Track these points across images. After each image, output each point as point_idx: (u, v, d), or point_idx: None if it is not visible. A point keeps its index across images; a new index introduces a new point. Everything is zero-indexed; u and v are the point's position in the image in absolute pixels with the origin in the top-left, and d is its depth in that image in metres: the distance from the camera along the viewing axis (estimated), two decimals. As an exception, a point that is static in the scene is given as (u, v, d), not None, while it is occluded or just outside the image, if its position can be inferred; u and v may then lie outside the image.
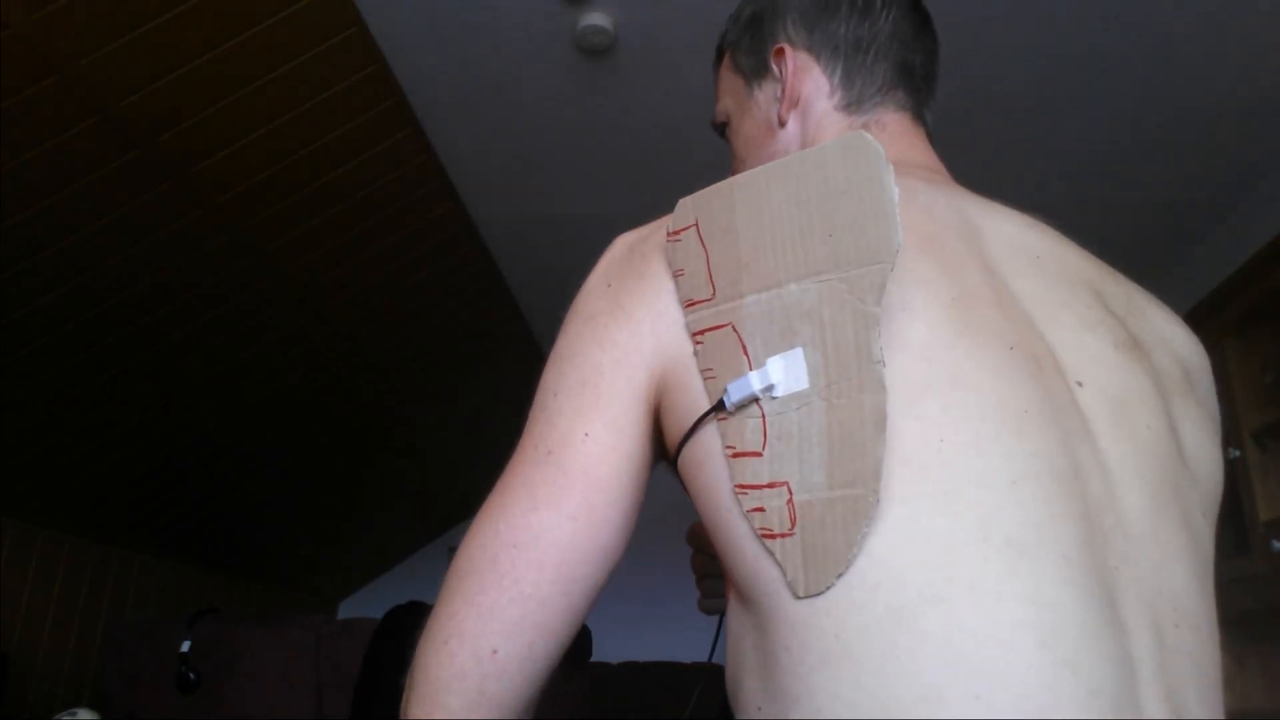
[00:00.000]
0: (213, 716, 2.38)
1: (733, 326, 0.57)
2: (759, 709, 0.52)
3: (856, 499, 0.50)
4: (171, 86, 1.87)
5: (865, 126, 0.76)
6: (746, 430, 0.54)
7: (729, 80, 0.84)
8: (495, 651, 0.56)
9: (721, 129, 0.86)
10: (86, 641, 2.86)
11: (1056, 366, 0.58)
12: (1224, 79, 2.22)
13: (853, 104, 0.77)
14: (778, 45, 0.79)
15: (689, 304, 0.59)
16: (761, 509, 0.52)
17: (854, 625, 0.48)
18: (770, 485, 0.52)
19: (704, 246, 0.59)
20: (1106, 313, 0.65)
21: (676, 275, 0.60)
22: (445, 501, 4.75)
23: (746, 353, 0.56)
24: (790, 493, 0.52)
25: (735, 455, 0.55)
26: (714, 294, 0.58)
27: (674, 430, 0.59)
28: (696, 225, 0.60)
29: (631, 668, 3.28)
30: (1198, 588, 0.57)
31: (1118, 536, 0.54)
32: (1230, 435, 2.21)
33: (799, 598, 0.50)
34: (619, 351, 0.60)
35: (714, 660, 0.77)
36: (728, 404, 0.55)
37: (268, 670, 2.43)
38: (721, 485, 0.55)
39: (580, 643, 2.60)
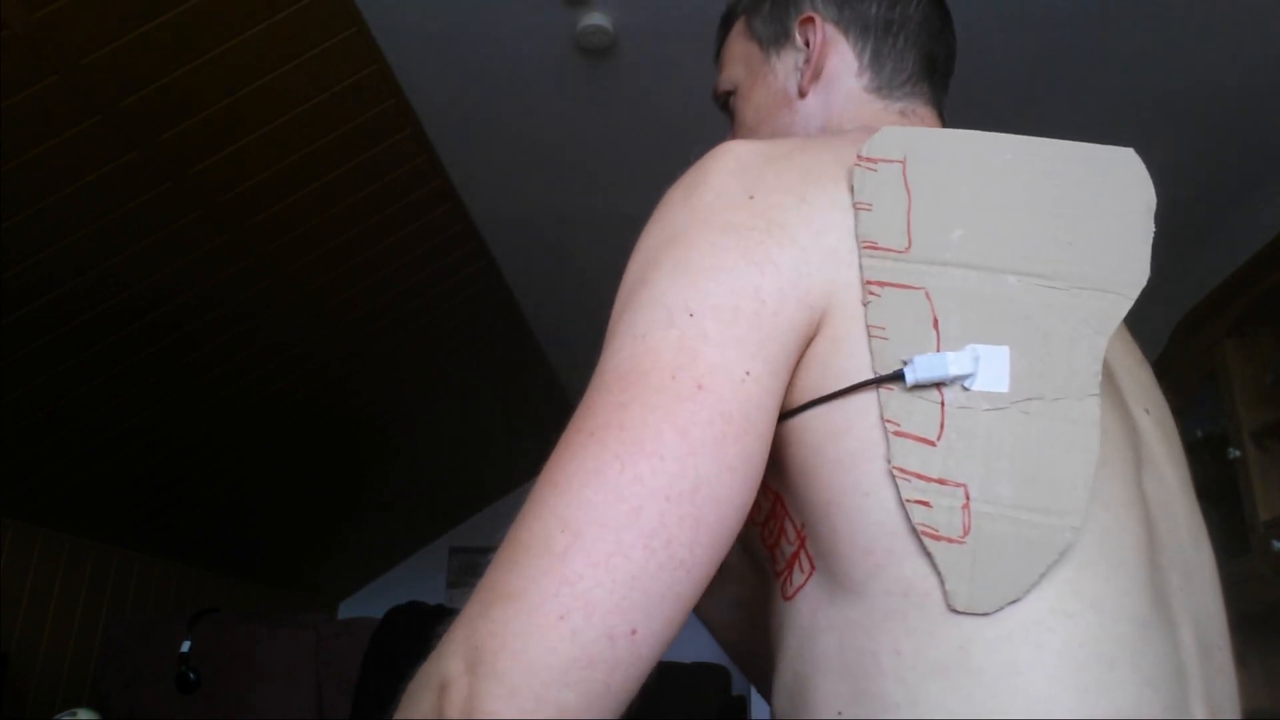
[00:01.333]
0: (213, 716, 2.38)
1: (926, 293, 0.50)
2: (839, 711, 0.48)
3: (1051, 529, 0.47)
4: (171, 86, 1.87)
5: (902, 115, 0.74)
6: (917, 412, 0.49)
7: (740, 46, 0.81)
8: (634, 631, 0.44)
9: (725, 99, 0.82)
10: (86, 641, 2.86)
11: (1120, 392, 0.59)
12: (1224, 78, 2.22)
13: (883, 88, 0.75)
14: (806, 14, 0.76)
15: (869, 246, 0.52)
16: (927, 504, 0.47)
17: (984, 638, 0.46)
18: (941, 481, 0.47)
19: (908, 189, 0.52)
20: (1134, 347, 0.67)
21: (859, 207, 0.53)
22: (445, 501, 4.75)
23: (938, 328, 0.50)
24: (967, 497, 0.47)
25: (898, 434, 0.49)
26: (909, 247, 0.51)
27: (809, 382, 0.51)
28: (904, 163, 0.53)
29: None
30: (1221, 612, 0.59)
31: (1178, 558, 0.55)
32: (1230, 435, 2.21)
33: (955, 611, 0.46)
34: (783, 279, 0.51)
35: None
36: (910, 377, 0.49)
37: (268, 670, 2.43)
38: (867, 461, 0.49)
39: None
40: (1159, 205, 0.53)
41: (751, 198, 0.54)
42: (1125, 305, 0.50)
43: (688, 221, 0.54)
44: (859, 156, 0.55)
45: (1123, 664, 0.46)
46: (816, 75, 0.75)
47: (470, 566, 4.93)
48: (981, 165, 0.53)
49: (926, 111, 0.76)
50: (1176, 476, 0.59)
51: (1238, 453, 2.16)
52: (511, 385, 3.96)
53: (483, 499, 4.93)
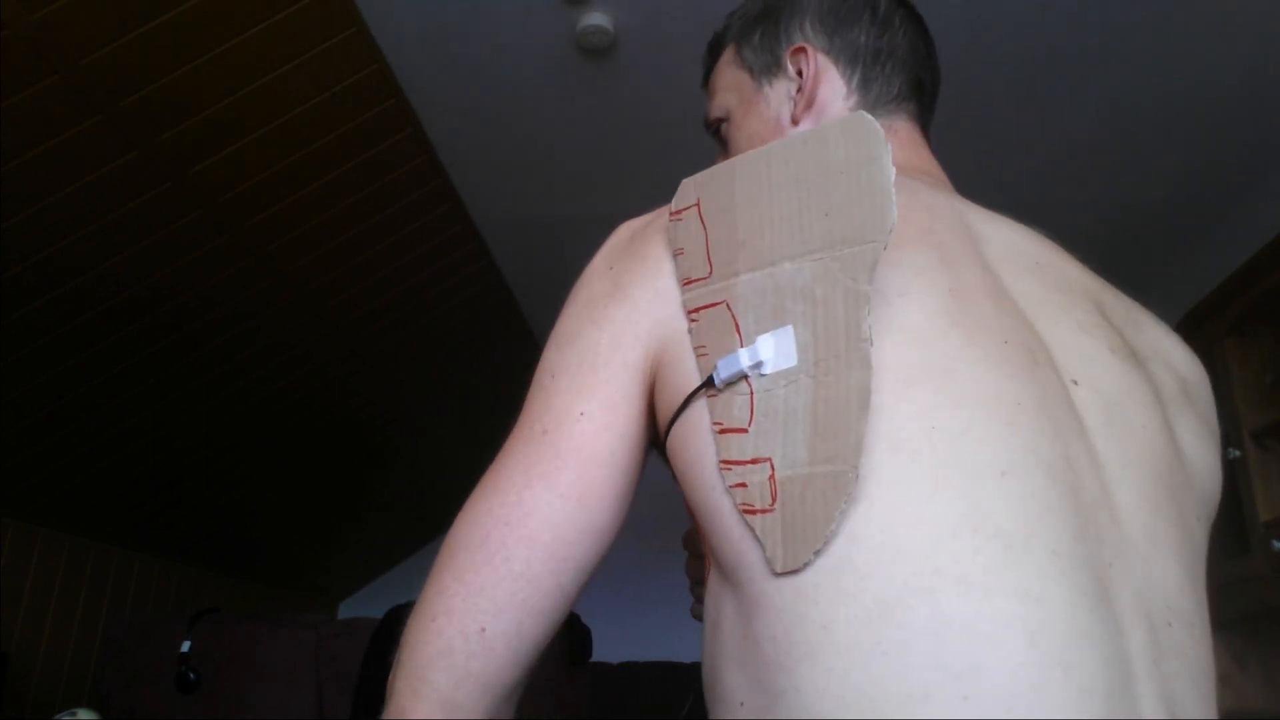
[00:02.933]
0: (213, 716, 2.38)
1: (727, 304, 0.57)
2: (741, 704, 0.51)
3: (837, 474, 0.49)
4: (171, 86, 1.87)
5: None
6: (735, 407, 0.54)
7: (731, 74, 0.83)
8: (483, 629, 0.56)
9: (717, 126, 0.84)
10: (86, 641, 2.86)
11: (1051, 363, 0.58)
12: (1224, 77, 2.22)
13: (866, 109, 0.77)
14: (797, 45, 0.78)
15: (686, 282, 0.59)
16: (744, 484, 0.52)
17: (843, 616, 0.47)
18: (754, 461, 0.52)
19: (704, 225, 0.60)
20: (1104, 319, 0.65)
21: (676, 254, 0.61)
22: (445, 501, 4.74)
23: (739, 330, 0.56)
24: (773, 468, 0.52)
25: (723, 431, 0.54)
26: (711, 272, 0.58)
27: (665, 408, 0.59)
28: (698, 205, 0.61)
29: (631, 668, 3.28)
30: (1190, 586, 0.56)
31: (1111, 533, 0.53)
32: (1230, 435, 2.21)
33: (776, 574, 0.49)
34: (615, 329, 0.61)
35: None
36: (717, 380, 0.55)
37: (268, 670, 2.43)
38: (707, 462, 0.55)
39: (580, 643, 2.60)
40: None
41: (611, 268, 0.65)
42: (878, 249, 0.52)
43: (570, 299, 0.66)
44: (670, 211, 0.63)
45: (1013, 642, 0.45)
46: (810, 104, 0.77)
47: (470, 566, 4.93)
48: (752, 179, 0.59)
49: (908, 127, 0.79)
50: (1118, 447, 0.57)
51: (1238, 453, 2.16)
52: (511, 385, 3.95)
53: (483, 499, 4.93)
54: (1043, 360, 0.57)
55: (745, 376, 0.54)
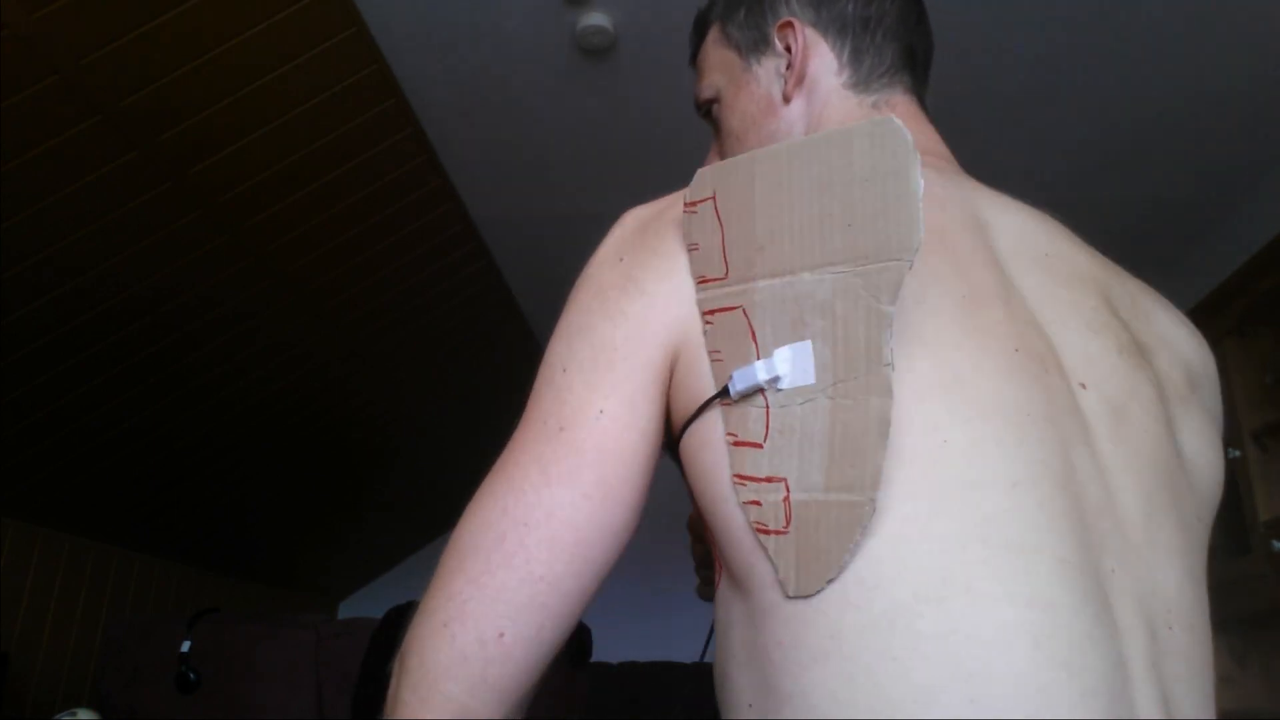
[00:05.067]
0: (213, 716, 2.38)
1: (743, 310, 0.55)
2: (749, 706, 0.51)
3: (853, 505, 0.49)
4: (171, 86, 1.87)
5: (875, 107, 0.74)
6: (749, 419, 0.53)
7: (718, 54, 0.80)
8: (502, 635, 0.53)
9: (708, 107, 0.81)
10: (86, 641, 2.86)
11: (1060, 368, 0.58)
12: (1224, 78, 2.22)
13: (860, 83, 0.75)
14: (784, 19, 0.76)
15: (701, 281, 0.57)
16: (758, 503, 0.51)
17: (849, 624, 0.48)
18: (768, 480, 0.51)
19: (720, 222, 0.57)
20: (1112, 315, 0.64)
21: (691, 250, 0.58)
22: (445, 501, 4.74)
23: (755, 339, 0.54)
24: (788, 490, 0.51)
25: (736, 444, 0.53)
26: (727, 273, 0.56)
27: (680, 410, 0.58)
28: (714, 199, 0.58)
29: (631, 668, 3.27)
30: (1192, 589, 0.57)
31: (1114, 539, 0.54)
32: (1230, 435, 2.21)
33: (789, 597, 0.49)
34: (632, 325, 0.58)
35: (706, 660, 0.76)
36: (732, 392, 0.54)
37: (268, 670, 2.43)
38: (720, 473, 0.54)
39: (580, 643, 2.60)
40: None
41: (621, 259, 0.62)
42: (904, 269, 0.50)
43: (578, 289, 0.64)
44: (685, 202, 0.60)
45: (1019, 647, 0.46)
46: (800, 80, 0.75)
47: (470, 566, 4.93)
48: (773, 178, 0.56)
49: (903, 99, 0.76)
50: (1123, 451, 0.58)
51: (1238, 453, 2.16)
52: (511, 385, 3.96)
53: (483, 499, 4.93)
54: (1052, 366, 0.57)
55: (761, 390, 0.53)
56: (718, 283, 0.56)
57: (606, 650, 2.86)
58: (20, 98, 1.71)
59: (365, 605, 4.79)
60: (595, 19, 2.01)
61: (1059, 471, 0.52)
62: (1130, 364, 0.62)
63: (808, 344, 0.52)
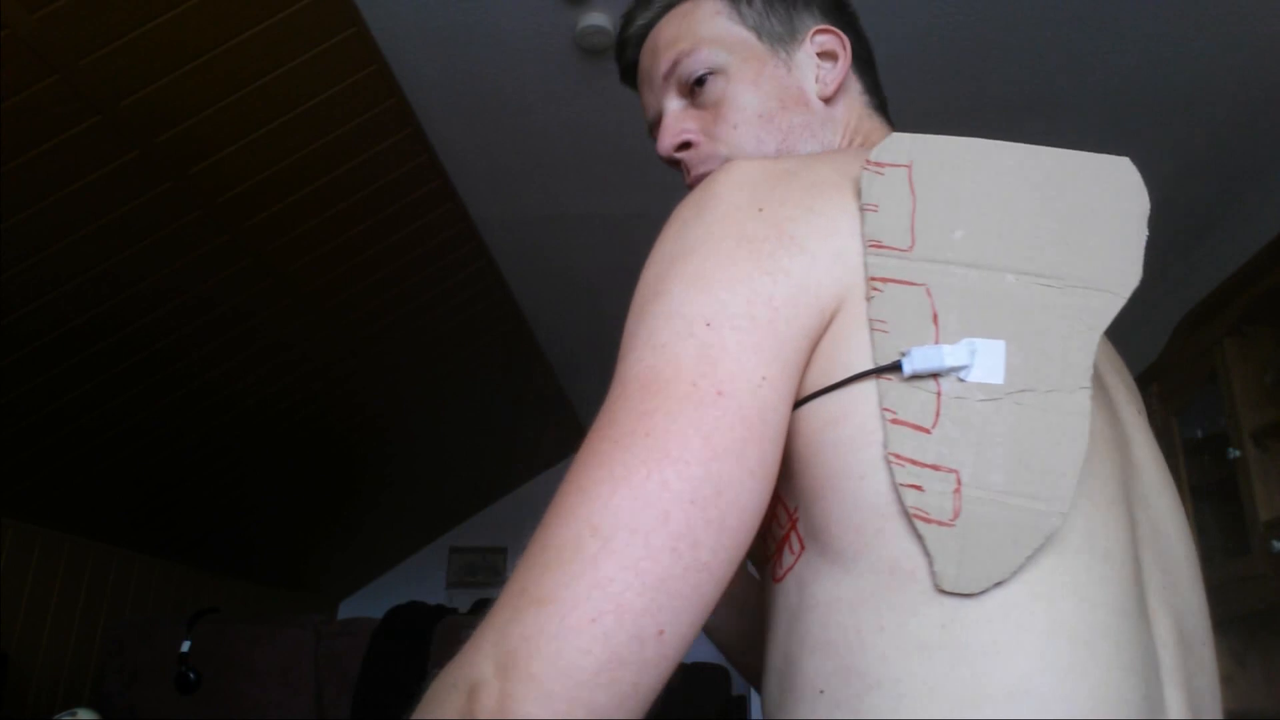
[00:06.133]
0: (213, 716, 2.38)
1: (927, 289, 0.52)
2: (821, 692, 0.49)
3: (1038, 514, 0.49)
4: (171, 86, 1.88)
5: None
6: (915, 401, 0.51)
7: (723, 28, 0.77)
8: (662, 633, 0.45)
9: (700, 76, 0.76)
10: (86, 641, 2.86)
11: (1113, 395, 0.62)
12: (1224, 78, 2.22)
13: (878, 109, 0.79)
14: (824, 26, 0.78)
15: (874, 244, 0.54)
16: (919, 488, 0.49)
17: (966, 617, 0.47)
18: (935, 467, 0.49)
19: (913, 192, 0.55)
20: (1135, 393, 0.69)
21: (866, 208, 0.55)
22: (445, 501, 4.75)
23: (937, 322, 0.52)
24: (959, 483, 0.49)
25: (895, 421, 0.51)
26: (912, 245, 0.53)
27: (813, 376, 0.53)
28: (909, 167, 0.56)
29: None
30: (1205, 610, 0.62)
31: (1162, 559, 0.58)
32: (1230, 435, 2.21)
33: (941, 591, 0.48)
34: (794, 286, 0.53)
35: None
36: (907, 369, 0.51)
37: (268, 670, 2.43)
38: (863, 447, 0.51)
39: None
40: (1160, 205, 0.57)
41: (761, 210, 0.55)
42: (1118, 304, 0.52)
43: (702, 235, 0.55)
44: (868, 161, 0.57)
45: (1103, 650, 0.48)
46: (840, 86, 0.77)
47: (470, 566, 4.93)
48: (984, 170, 0.55)
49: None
50: (1160, 477, 0.62)
51: (1238, 453, 2.16)
52: (511, 385, 3.96)
53: (483, 499, 4.93)
54: (1120, 410, 0.62)
55: (936, 375, 0.51)
56: (897, 252, 0.53)
57: (606, 650, 2.87)
58: (20, 98, 1.71)
59: (365, 605, 4.79)
60: (595, 19, 2.01)
61: (1121, 492, 0.56)
62: (1154, 448, 0.65)
63: (1001, 343, 0.51)
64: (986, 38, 2.08)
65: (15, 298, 2.07)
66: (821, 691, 0.49)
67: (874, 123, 0.78)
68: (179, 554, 3.38)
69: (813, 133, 0.75)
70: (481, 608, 2.63)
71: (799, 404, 0.53)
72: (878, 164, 0.56)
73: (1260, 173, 2.59)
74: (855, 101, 0.78)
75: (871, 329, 0.52)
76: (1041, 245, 0.53)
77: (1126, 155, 0.60)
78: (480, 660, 0.44)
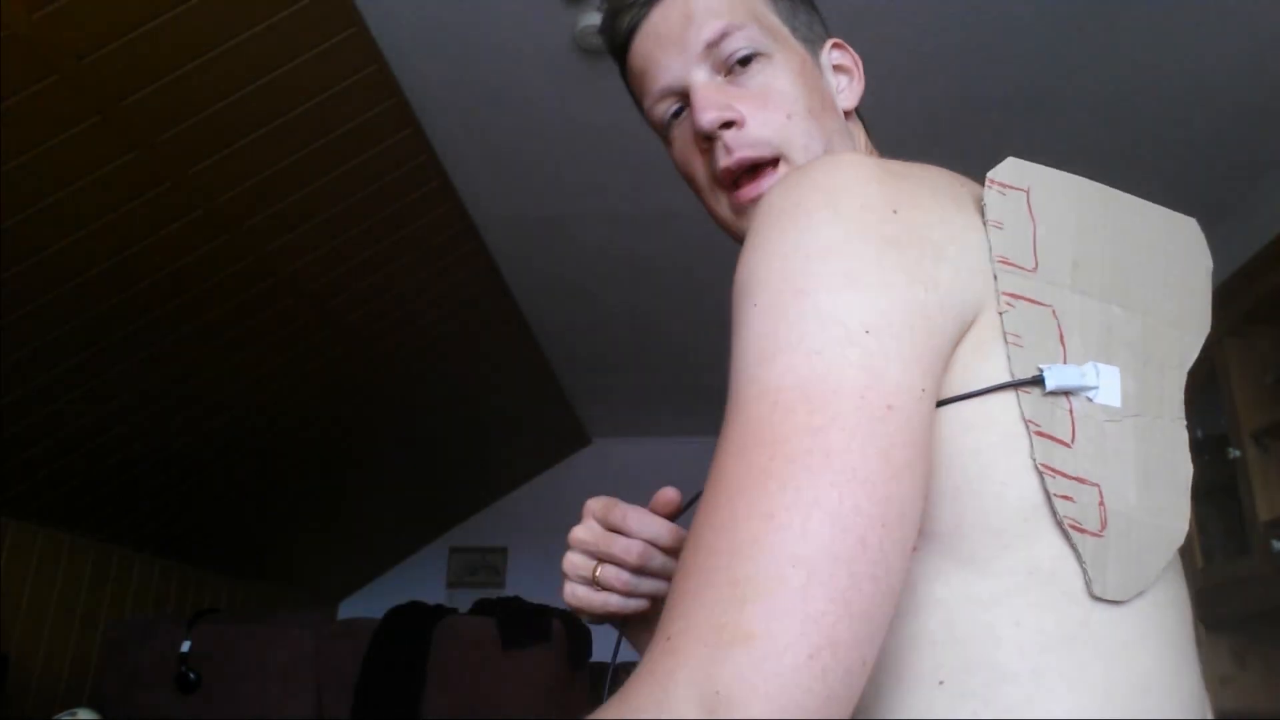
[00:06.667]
0: (213, 716, 2.38)
1: (1053, 311, 0.56)
2: (941, 682, 0.50)
3: (1168, 529, 0.54)
4: (171, 86, 1.87)
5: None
6: (1054, 416, 0.53)
7: (761, 9, 0.75)
8: (864, 663, 0.43)
9: (746, 57, 0.72)
10: (86, 641, 2.86)
11: None
12: (1223, 77, 2.22)
13: (870, 130, 0.81)
14: (836, 39, 0.79)
15: (1004, 261, 0.55)
16: (1070, 498, 0.52)
17: (1102, 617, 0.51)
18: (1081, 480, 0.52)
19: (1032, 216, 0.58)
20: None
21: (992, 224, 0.56)
22: (445, 501, 4.74)
23: (1064, 343, 0.55)
24: (1101, 496, 0.53)
25: (1039, 434, 0.52)
26: (1036, 267, 0.56)
27: (948, 382, 0.53)
28: (1028, 192, 0.59)
29: (631, 667, 3.27)
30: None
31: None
32: (1230, 435, 2.21)
33: (1094, 597, 0.51)
34: (943, 295, 0.52)
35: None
36: (1048, 383, 0.53)
37: (268, 670, 2.43)
38: (1007, 454, 0.52)
39: (580, 643, 2.60)
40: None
41: (895, 211, 0.54)
42: (1199, 346, 0.58)
43: (841, 233, 0.52)
44: (990, 180, 0.59)
45: (1190, 654, 0.54)
46: (856, 98, 0.78)
47: (470, 566, 4.93)
48: (1085, 206, 0.60)
49: None
50: None
51: (1238, 453, 2.16)
52: (511, 385, 3.96)
53: (483, 499, 4.93)
54: None
55: (1069, 393, 0.54)
56: (1024, 271, 0.56)
57: (606, 650, 2.87)
58: (20, 98, 1.71)
59: (365, 605, 4.79)
60: (595, 19, 2.01)
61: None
62: None
63: (1116, 370, 0.56)
64: (983, 37, 2.08)
65: (15, 298, 2.07)
66: (941, 682, 0.50)
67: (872, 146, 0.79)
68: (179, 554, 3.38)
69: (844, 142, 0.75)
70: (482, 608, 2.64)
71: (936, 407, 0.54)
72: (1001, 184, 0.59)
73: (1260, 173, 2.59)
74: (859, 121, 0.79)
75: (1007, 342, 0.54)
76: (1139, 283, 0.58)
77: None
78: (680, 702, 0.41)
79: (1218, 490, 2.33)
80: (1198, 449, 2.54)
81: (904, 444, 0.47)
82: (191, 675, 2.39)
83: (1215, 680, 2.29)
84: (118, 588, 3.05)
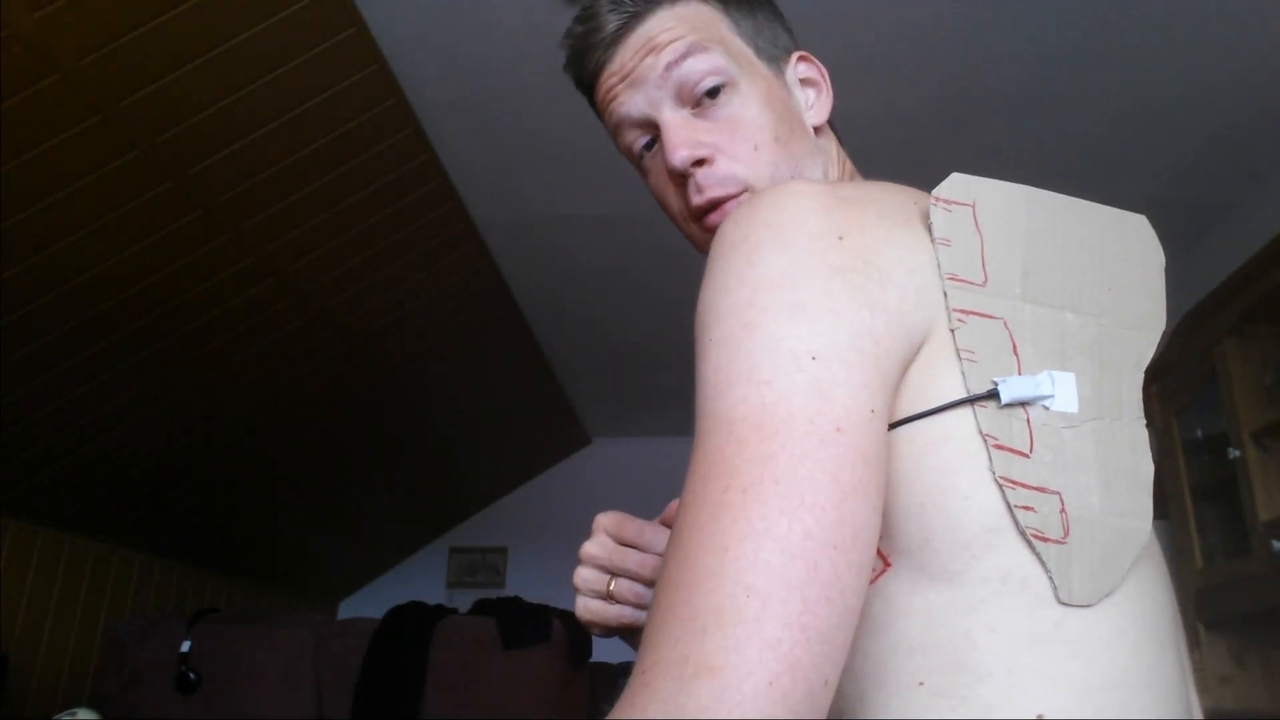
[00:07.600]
0: (213, 716, 2.38)
1: (1005, 323, 0.57)
2: (921, 684, 0.52)
3: (1132, 530, 0.55)
4: (171, 86, 1.87)
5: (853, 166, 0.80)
6: (1011, 427, 0.54)
7: (725, 33, 0.74)
8: (826, 683, 0.45)
9: (714, 89, 0.72)
10: (86, 641, 2.86)
11: None
12: (1223, 77, 2.22)
13: (841, 142, 0.80)
14: (804, 53, 0.78)
15: (953, 278, 0.57)
16: (1032, 509, 0.53)
17: (1074, 618, 0.52)
18: (1041, 489, 0.53)
19: (979, 230, 0.59)
20: None
21: (940, 242, 0.57)
22: (445, 501, 4.75)
23: (1017, 354, 0.56)
24: (1063, 503, 0.54)
25: (997, 446, 0.53)
26: (986, 281, 0.57)
27: (903, 401, 0.54)
28: (974, 207, 0.60)
29: (631, 668, 3.27)
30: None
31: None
32: (1230, 435, 2.21)
33: (1063, 603, 0.52)
34: (890, 319, 0.53)
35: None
36: (1003, 396, 0.54)
37: (268, 670, 2.43)
38: (966, 468, 0.53)
39: (580, 643, 2.60)
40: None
41: (842, 239, 0.55)
42: (1154, 343, 0.58)
43: (788, 263, 0.54)
44: (936, 197, 0.59)
45: (1170, 647, 0.55)
46: (826, 112, 0.77)
47: (470, 566, 4.93)
48: (1034, 214, 0.60)
49: None
50: None
51: (1238, 453, 2.16)
52: (511, 385, 3.96)
53: (483, 499, 4.93)
54: None
55: (1025, 404, 0.55)
56: (974, 286, 0.57)
57: (607, 650, 2.86)
58: (20, 98, 1.71)
59: (365, 605, 4.79)
60: (595, 19, 2.01)
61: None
62: None
63: (1071, 376, 0.56)
64: (983, 37, 2.08)
65: (15, 298, 2.07)
66: (921, 684, 0.52)
67: (845, 156, 0.78)
68: (179, 554, 3.38)
69: (814, 163, 0.74)
70: (482, 608, 2.64)
71: (892, 427, 0.54)
72: (946, 200, 0.59)
73: (1260, 173, 2.59)
74: (830, 133, 0.78)
75: (960, 358, 0.55)
76: (1090, 288, 0.59)
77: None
78: None
79: (1218, 490, 2.33)
80: (1198, 449, 2.53)
81: (853, 465, 0.48)
82: (191, 675, 2.39)
83: (1215, 680, 2.29)
84: (118, 588, 3.05)
